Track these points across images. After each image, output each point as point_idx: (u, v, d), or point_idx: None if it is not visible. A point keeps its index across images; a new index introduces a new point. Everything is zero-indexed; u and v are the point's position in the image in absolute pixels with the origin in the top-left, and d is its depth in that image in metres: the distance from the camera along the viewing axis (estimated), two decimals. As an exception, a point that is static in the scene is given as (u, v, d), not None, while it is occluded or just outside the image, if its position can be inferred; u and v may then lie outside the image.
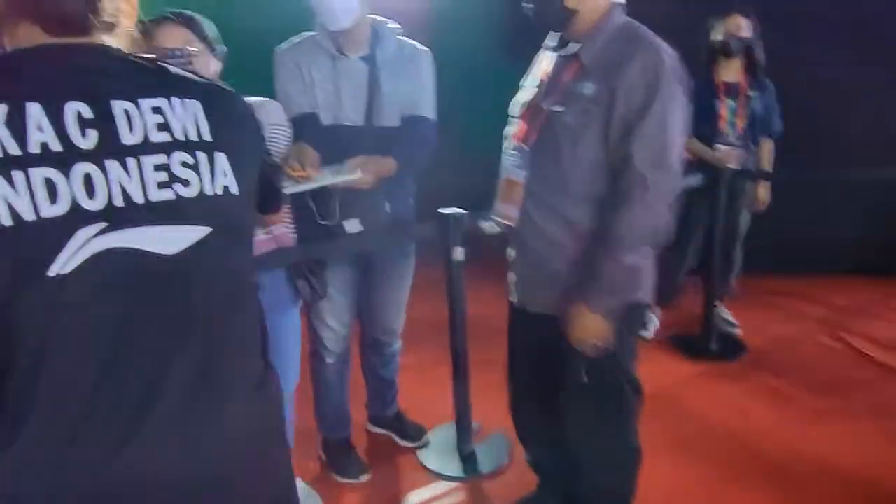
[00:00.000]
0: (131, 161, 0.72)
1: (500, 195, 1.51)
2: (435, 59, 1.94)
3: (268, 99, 1.67)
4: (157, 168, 0.74)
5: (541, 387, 1.57)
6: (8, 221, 0.65)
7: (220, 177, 0.79)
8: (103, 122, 0.72)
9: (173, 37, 1.49)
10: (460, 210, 2.00)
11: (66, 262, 0.69)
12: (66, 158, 0.69)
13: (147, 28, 1.78)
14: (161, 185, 0.74)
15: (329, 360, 2.08)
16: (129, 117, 0.73)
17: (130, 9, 0.81)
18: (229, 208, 0.80)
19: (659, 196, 1.33)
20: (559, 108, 1.37)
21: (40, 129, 0.68)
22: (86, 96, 0.72)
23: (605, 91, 1.31)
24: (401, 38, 1.90)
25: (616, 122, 1.31)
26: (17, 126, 0.67)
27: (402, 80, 1.85)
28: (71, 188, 0.69)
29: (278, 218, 1.19)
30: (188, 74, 0.83)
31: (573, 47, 1.39)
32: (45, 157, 0.68)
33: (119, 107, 0.73)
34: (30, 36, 0.73)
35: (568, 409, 1.54)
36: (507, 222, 1.49)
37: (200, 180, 0.77)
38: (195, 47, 1.49)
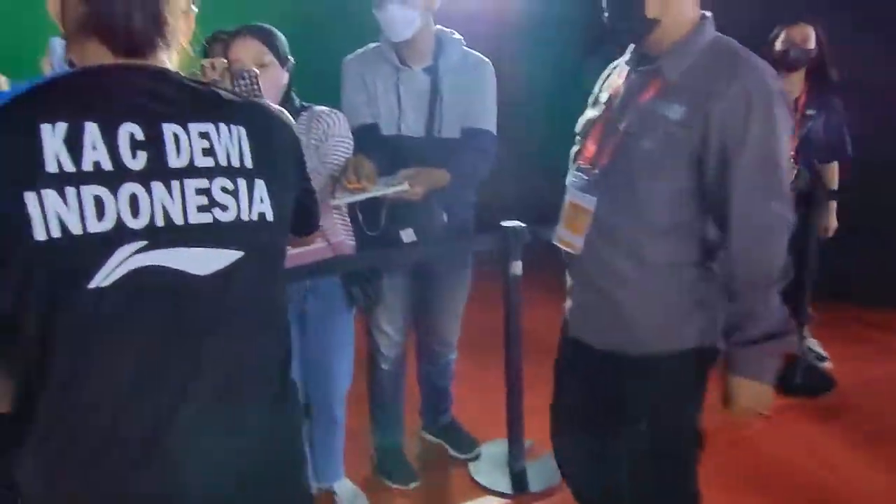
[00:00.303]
0: (175, 184, 0.76)
1: (564, 220, 1.39)
2: (504, 67, 1.95)
3: (334, 110, 1.73)
4: (199, 192, 0.77)
5: (590, 424, 1.45)
6: (57, 233, 0.70)
7: (257, 203, 0.81)
8: (153, 144, 0.75)
9: (247, 48, 1.58)
10: (521, 224, 1.98)
11: (106, 276, 0.72)
12: (115, 178, 0.73)
13: (225, 40, 1.90)
14: (200, 209, 0.77)
15: (384, 365, 2.11)
16: (177, 141, 0.77)
17: (187, 28, 0.86)
18: (263, 234, 0.82)
19: (772, 230, 1.18)
20: (637, 131, 1.23)
21: (94, 147, 0.72)
22: (140, 118, 0.75)
23: (697, 115, 1.16)
24: (465, 49, 1.91)
25: (712, 151, 1.16)
26: (75, 144, 0.71)
27: (463, 92, 1.86)
28: (117, 207, 0.72)
29: (311, 239, 1.20)
30: (236, 99, 0.85)
31: (654, 62, 1.24)
32: (97, 176, 0.72)
33: (169, 130, 0.77)
34: (97, 55, 0.78)
35: (622, 455, 1.42)
36: (570, 249, 1.36)
37: (238, 206, 0.80)
38: (267, 60, 1.57)
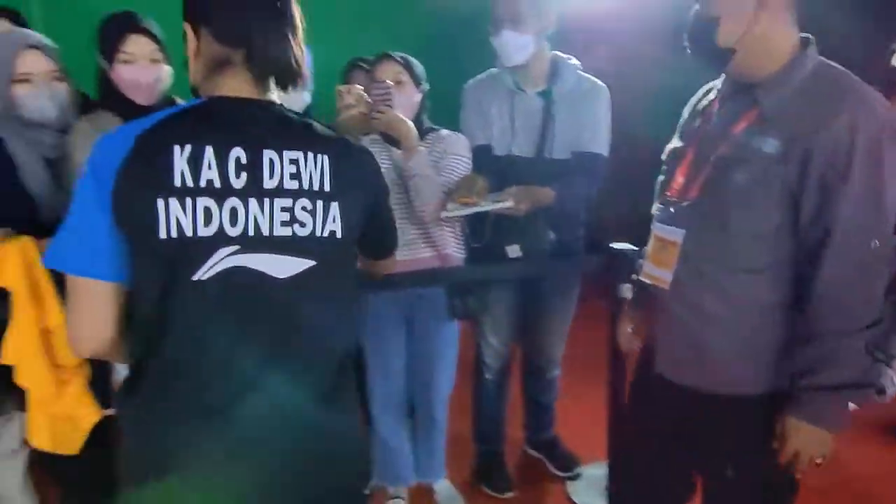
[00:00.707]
0: (266, 201, 0.91)
1: (650, 253, 1.33)
2: (620, 90, 1.95)
3: (457, 133, 1.89)
4: (283, 210, 0.92)
5: (668, 466, 1.39)
6: (174, 234, 0.87)
7: (330, 223, 0.96)
8: (254, 167, 0.91)
9: (387, 69, 1.80)
10: (630, 246, 1.96)
11: (206, 271, 0.89)
12: (222, 193, 0.90)
13: (363, 67, 2.12)
14: (283, 224, 0.92)
15: (488, 375, 2.20)
16: (272, 165, 0.92)
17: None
18: (332, 248, 0.96)
19: (869, 271, 1.10)
20: (728, 164, 1.17)
21: (209, 167, 0.89)
22: (246, 144, 0.91)
23: (795, 149, 1.09)
24: (580, 73, 1.95)
25: (810, 187, 1.09)
26: (195, 164, 0.89)
27: (576, 116, 1.90)
28: (220, 217, 0.89)
29: (389, 265, 1.29)
30: (327, 132, 0.99)
31: (749, 91, 1.18)
32: (209, 191, 0.89)
33: (267, 156, 0.92)
34: (235, 86, 0.94)
35: (706, 499, 1.36)
36: (657, 283, 1.31)
37: (314, 224, 0.94)
38: (403, 79, 1.78)
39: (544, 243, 1.92)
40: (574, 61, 1.96)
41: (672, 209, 1.28)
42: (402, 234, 1.80)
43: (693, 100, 1.38)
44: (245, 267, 0.91)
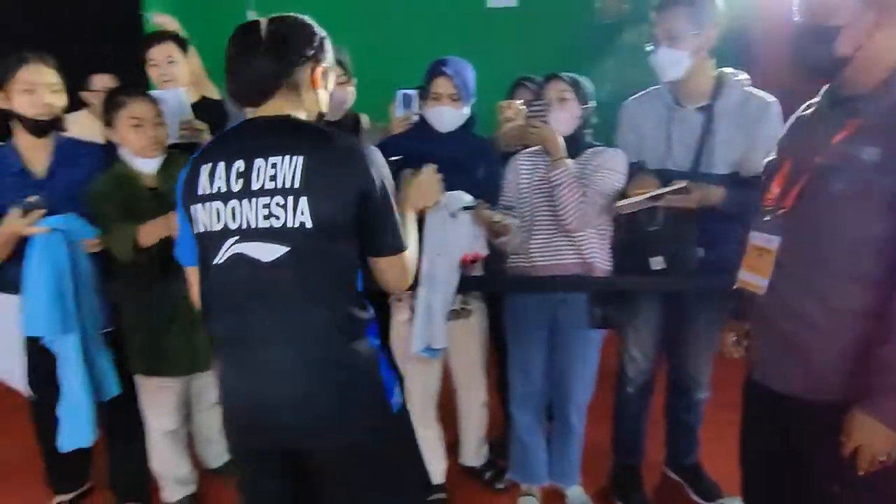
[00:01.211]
0: (253, 200, 1.15)
1: (746, 261, 1.37)
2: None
3: (615, 150, 1.95)
4: (264, 206, 1.15)
5: (779, 480, 1.36)
6: (202, 230, 1.21)
7: (299, 215, 1.14)
8: (247, 173, 1.16)
9: (553, 88, 1.93)
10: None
11: (220, 257, 1.19)
12: (226, 197, 1.17)
13: (528, 86, 2.25)
14: (264, 217, 1.15)
15: (629, 388, 2.18)
16: (259, 171, 1.15)
17: (321, 77, 1.24)
18: (303, 237, 1.14)
19: None
20: (826, 173, 1.19)
21: (219, 178, 1.18)
22: (244, 156, 1.17)
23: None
24: (748, 90, 1.89)
25: None
26: (212, 176, 1.18)
27: (740, 133, 1.85)
28: (225, 215, 1.17)
29: (394, 269, 1.29)
30: (311, 132, 1.19)
31: (851, 101, 1.20)
32: (218, 196, 1.18)
33: (257, 164, 1.16)
34: (266, 107, 1.22)
35: None
36: (753, 290, 1.33)
37: (285, 216, 1.14)
38: (567, 96, 1.91)
39: (691, 259, 1.87)
40: (742, 77, 1.91)
41: (768, 217, 1.31)
42: (548, 241, 1.93)
43: (794, 115, 1.41)
44: (244, 253, 1.17)
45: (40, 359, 1.82)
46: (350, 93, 1.87)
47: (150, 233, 1.75)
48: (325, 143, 1.17)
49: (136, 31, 4.99)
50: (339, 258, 1.20)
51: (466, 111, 1.97)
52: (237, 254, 1.17)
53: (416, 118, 2.12)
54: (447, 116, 1.94)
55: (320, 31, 1.24)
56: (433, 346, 1.85)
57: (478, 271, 2.06)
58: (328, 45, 1.25)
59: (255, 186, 1.15)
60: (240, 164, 1.16)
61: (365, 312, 1.25)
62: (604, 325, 1.96)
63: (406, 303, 1.98)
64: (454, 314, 1.93)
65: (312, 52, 1.21)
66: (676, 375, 2.16)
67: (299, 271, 1.17)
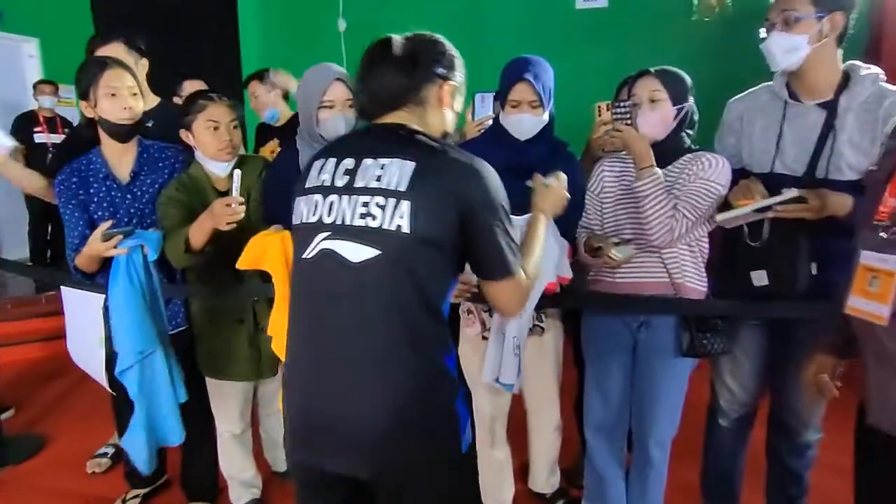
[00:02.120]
0: (354, 198, 1.12)
1: (856, 284, 1.19)
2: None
3: (718, 156, 1.70)
4: (363, 205, 1.11)
5: None
6: (297, 221, 1.19)
7: (398, 218, 1.08)
8: (354, 171, 1.14)
9: (644, 85, 1.72)
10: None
11: (310, 251, 1.16)
12: (327, 191, 1.15)
13: (628, 80, 2.06)
14: (361, 216, 1.11)
15: (722, 421, 1.95)
16: (366, 169, 1.13)
17: (449, 96, 1.23)
18: (398, 240, 1.09)
19: None
20: None
21: (327, 172, 1.17)
22: (356, 155, 1.15)
23: None
24: (882, 85, 1.62)
25: None
26: (321, 170, 1.18)
27: (869, 133, 1.58)
28: (322, 208, 1.15)
29: (501, 295, 1.20)
30: (434, 144, 1.14)
31: None
32: (320, 189, 1.16)
33: (366, 162, 1.13)
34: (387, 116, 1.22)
35: None
36: (868, 319, 1.16)
37: (383, 217, 1.09)
38: (658, 96, 1.69)
39: (801, 276, 1.61)
40: (874, 70, 1.64)
41: (883, 234, 1.17)
42: (637, 257, 1.73)
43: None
44: (333, 251, 1.13)
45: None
46: None
47: (197, 232, 1.72)
48: (439, 154, 1.13)
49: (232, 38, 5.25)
50: (431, 272, 1.12)
51: (546, 116, 1.81)
52: (327, 250, 1.13)
53: (490, 122, 1.99)
54: (527, 124, 1.79)
55: (452, 51, 1.23)
56: (501, 380, 1.72)
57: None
58: (459, 65, 1.24)
59: (358, 184, 1.12)
60: (349, 162, 1.15)
61: (447, 336, 1.18)
62: (693, 354, 1.73)
63: (476, 316, 1.86)
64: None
65: (443, 70, 1.20)
66: (781, 412, 1.88)
67: (386, 278, 1.10)
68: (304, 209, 1.18)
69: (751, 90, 1.82)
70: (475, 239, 1.13)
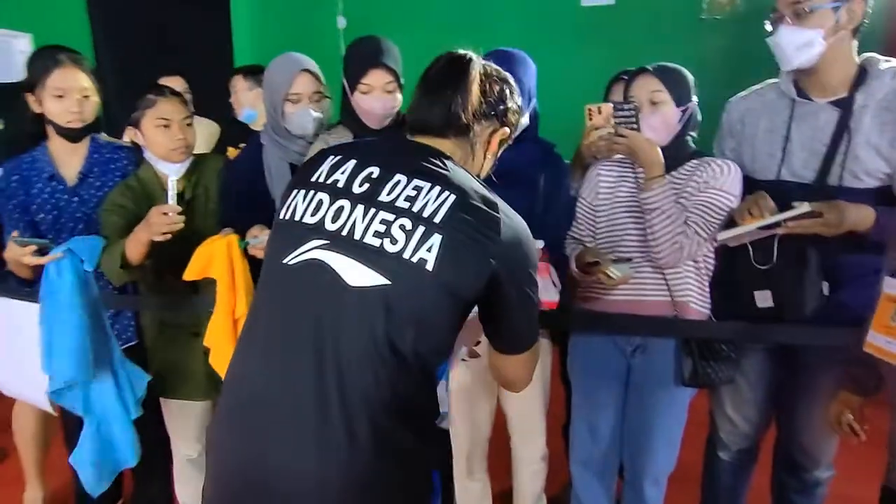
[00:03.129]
0: (371, 210, 0.93)
1: (877, 318, 1.04)
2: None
3: (728, 161, 1.53)
4: (382, 222, 0.92)
5: None
6: (286, 217, 0.97)
7: (424, 251, 0.89)
8: (380, 182, 0.95)
9: (642, 85, 1.55)
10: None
11: (295, 257, 0.94)
12: (338, 193, 0.95)
13: (625, 79, 1.88)
14: (376, 234, 0.91)
15: (722, 454, 1.77)
16: (396, 185, 0.94)
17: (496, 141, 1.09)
18: (415, 276, 0.89)
19: None
20: None
21: (342, 173, 0.97)
22: (385, 166, 0.96)
23: None
24: None
25: None
26: (334, 168, 0.98)
27: (888, 133, 1.40)
28: (326, 211, 0.94)
29: (510, 370, 1.09)
30: (465, 181, 0.95)
31: None
32: (329, 188, 0.96)
33: (398, 178, 0.95)
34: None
35: None
36: (887, 359, 1.02)
37: (406, 244, 0.90)
38: (659, 98, 1.52)
39: (811, 297, 1.42)
40: (893, 63, 1.45)
41: None
42: (636, 272, 1.54)
43: None
44: (325, 263, 0.93)
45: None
46: (398, 100, 1.65)
47: (133, 245, 1.55)
48: (482, 200, 0.95)
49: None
50: (438, 325, 0.94)
51: (525, 120, 1.61)
52: (317, 261, 0.93)
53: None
54: None
55: (518, 98, 1.11)
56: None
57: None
58: (517, 114, 1.11)
59: (382, 198, 0.94)
60: (374, 171, 0.96)
61: (436, 398, 1.02)
62: (697, 384, 1.54)
63: None
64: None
65: (506, 114, 1.08)
66: (788, 447, 1.69)
67: (386, 314, 0.90)
68: (301, 205, 0.97)
69: (754, 88, 1.64)
70: (498, 304, 0.97)
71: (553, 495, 2.09)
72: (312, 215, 0.95)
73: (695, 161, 1.54)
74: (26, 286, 1.74)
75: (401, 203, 0.92)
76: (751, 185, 1.54)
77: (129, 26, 4.91)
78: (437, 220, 0.90)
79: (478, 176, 1.06)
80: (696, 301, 1.55)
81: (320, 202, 0.95)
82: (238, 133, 2.70)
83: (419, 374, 0.94)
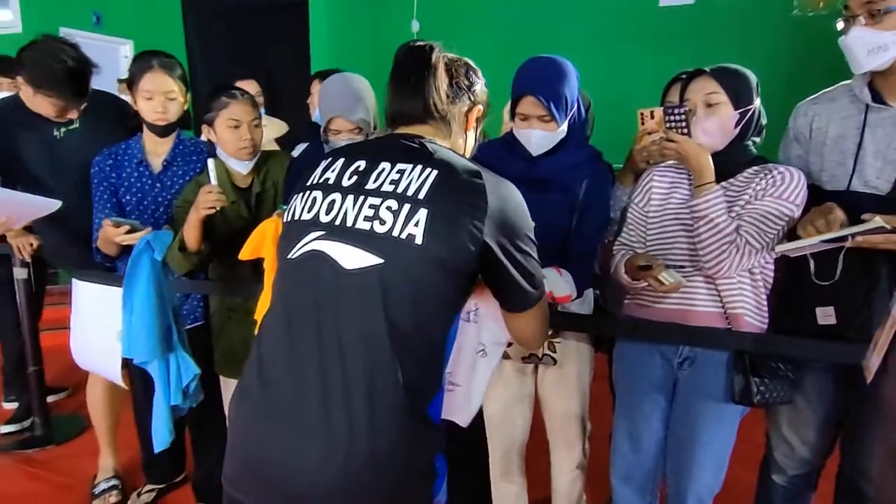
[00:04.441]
0: (361, 198, 1.00)
1: (880, 344, 0.95)
2: None
3: (793, 169, 1.43)
4: (371, 207, 0.98)
5: None
6: (287, 219, 1.07)
7: (411, 226, 0.95)
8: (366, 172, 1.02)
9: (697, 88, 1.48)
10: None
11: (297, 251, 1.02)
12: (329, 189, 1.03)
13: (676, 81, 1.81)
14: (365, 219, 0.98)
15: (777, 479, 1.67)
16: (381, 172, 1.01)
17: (474, 119, 1.17)
18: (406, 251, 0.95)
19: None
20: None
21: (333, 171, 1.05)
22: (371, 158, 1.04)
23: None
24: None
25: None
26: (325, 168, 1.07)
27: None
28: (320, 206, 1.02)
29: (522, 327, 1.14)
30: (451, 155, 1.04)
31: None
32: (321, 186, 1.04)
33: (382, 165, 1.02)
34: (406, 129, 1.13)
35: None
36: None
37: (393, 223, 0.96)
38: (716, 100, 1.45)
39: (879, 315, 1.28)
40: None
41: None
42: (687, 281, 1.48)
43: None
44: (322, 252, 0.99)
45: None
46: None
47: (188, 229, 1.70)
48: (464, 170, 1.01)
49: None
50: (434, 298, 0.98)
51: (563, 129, 1.59)
52: (315, 251, 1.00)
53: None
54: (536, 140, 1.59)
55: (482, 78, 1.19)
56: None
57: (583, 307, 1.70)
58: (485, 93, 1.19)
59: (369, 186, 1.01)
60: (361, 164, 1.04)
61: (440, 378, 1.04)
62: (748, 403, 1.45)
63: None
64: (533, 359, 1.59)
65: (474, 93, 1.16)
66: (852, 474, 1.57)
67: (382, 291, 0.95)
68: (299, 205, 1.05)
69: (825, 91, 1.54)
70: (494, 265, 1.01)
71: (600, 505, 2.05)
72: (308, 212, 1.03)
73: (756, 167, 1.46)
74: (109, 263, 1.95)
75: (386, 187, 0.99)
76: (818, 195, 1.44)
77: (219, 33, 5.23)
78: (421, 196, 0.96)
79: (463, 156, 1.10)
80: (751, 314, 1.47)
81: (314, 199, 1.03)
82: (311, 133, 2.85)
83: (421, 350, 0.97)
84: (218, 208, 1.66)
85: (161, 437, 1.80)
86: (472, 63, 1.17)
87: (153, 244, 1.73)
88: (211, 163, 1.70)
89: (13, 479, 2.41)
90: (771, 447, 1.67)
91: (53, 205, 1.64)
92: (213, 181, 1.69)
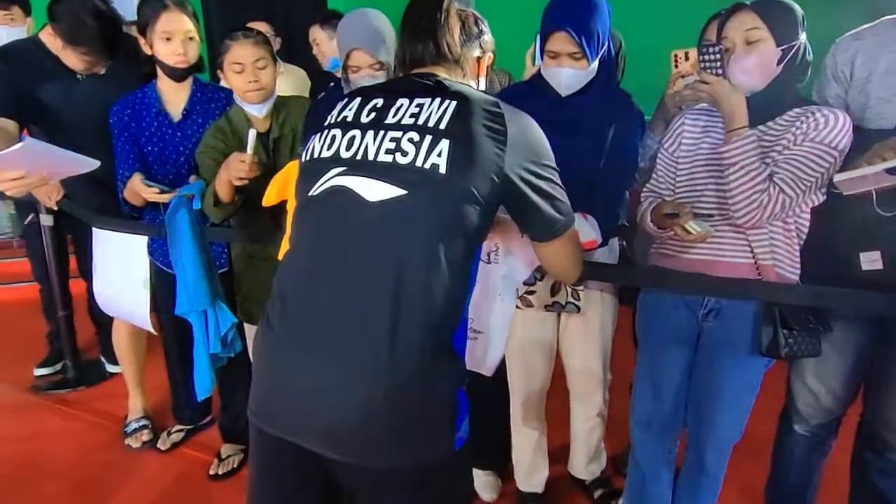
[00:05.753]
0: (381, 132, 1.00)
1: None
2: None
3: (837, 111, 1.35)
4: (392, 140, 0.99)
5: None
6: (306, 159, 1.08)
7: (434, 156, 0.96)
8: (385, 108, 1.03)
9: (737, 23, 1.38)
10: None
11: (318, 188, 1.03)
12: (348, 126, 1.04)
13: (715, 18, 1.72)
14: (387, 151, 0.98)
15: (799, 428, 1.67)
16: (399, 107, 1.02)
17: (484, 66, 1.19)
18: (430, 181, 0.95)
19: None
20: None
21: (350, 109, 1.07)
22: (388, 95, 1.05)
23: None
24: None
25: None
26: (343, 107, 1.08)
27: None
28: (340, 143, 1.03)
29: (552, 257, 1.15)
30: (468, 88, 1.06)
31: None
32: (340, 124, 1.06)
33: (400, 101, 1.03)
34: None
35: None
36: None
37: (416, 154, 0.97)
38: (756, 36, 1.35)
39: None
40: None
41: None
42: (716, 231, 1.44)
43: None
44: (345, 186, 1.00)
45: (164, 299, 1.95)
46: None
47: (219, 186, 1.69)
48: (482, 100, 1.03)
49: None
50: (458, 228, 0.98)
51: (594, 67, 1.54)
52: (338, 186, 1.00)
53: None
54: (566, 79, 1.54)
55: (489, 30, 1.20)
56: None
57: (609, 257, 1.68)
58: (492, 42, 1.22)
59: (389, 120, 1.02)
60: (378, 101, 1.05)
61: (462, 311, 1.04)
62: (776, 355, 1.42)
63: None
64: (556, 307, 1.58)
65: (485, 42, 1.18)
66: (875, 424, 1.57)
67: (407, 223, 0.96)
68: (318, 144, 1.06)
69: (868, 25, 1.44)
70: (526, 199, 1.03)
71: (615, 455, 2.08)
72: (328, 149, 1.03)
73: (798, 109, 1.37)
74: (136, 214, 1.97)
75: (406, 120, 1.00)
76: (860, 136, 1.36)
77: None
78: (442, 126, 0.97)
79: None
80: (783, 265, 1.42)
81: (334, 137, 1.04)
82: (327, 83, 2.75)
83: (444, 280, 0.97)
84: (248, 180, 1.64)
85: (203, 385, 1.83)
86: (479, 14, 1.19)
87: (192, 194, 1.75)
88: (251, 133, 1.65)
89: (50, 418, 2.52)
90: (793, 397, 1.67)
91: (92, 164, 1.62)
92: (250, 150, 1.64)
